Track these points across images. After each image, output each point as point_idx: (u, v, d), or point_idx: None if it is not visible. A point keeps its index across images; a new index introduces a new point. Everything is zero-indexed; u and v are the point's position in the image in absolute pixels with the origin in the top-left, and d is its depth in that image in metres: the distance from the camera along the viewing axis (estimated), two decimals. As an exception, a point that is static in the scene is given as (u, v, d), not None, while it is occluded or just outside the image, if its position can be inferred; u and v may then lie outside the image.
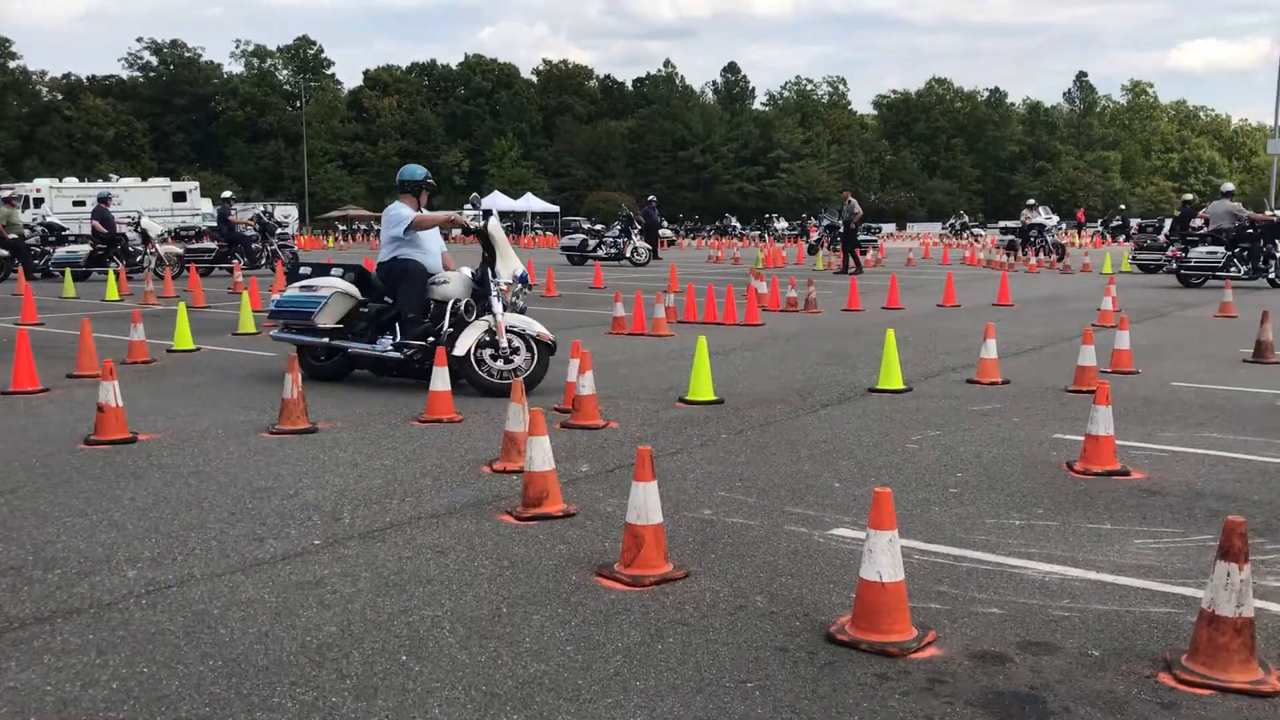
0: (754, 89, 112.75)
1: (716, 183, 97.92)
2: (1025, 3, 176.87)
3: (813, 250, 34.49)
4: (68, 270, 21.94)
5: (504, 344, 8.63)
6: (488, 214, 9.06)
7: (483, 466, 6.24)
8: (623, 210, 37.66)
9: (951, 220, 68.29)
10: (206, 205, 52.44)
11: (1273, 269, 20.73)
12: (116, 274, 20.88)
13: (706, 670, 3.46)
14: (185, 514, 5.27)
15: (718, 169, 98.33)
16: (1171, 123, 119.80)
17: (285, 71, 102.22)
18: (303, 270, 9.74)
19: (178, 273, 23.81)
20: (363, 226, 73.96)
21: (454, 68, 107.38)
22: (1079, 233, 54.54)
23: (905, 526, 4.50)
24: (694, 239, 60.54)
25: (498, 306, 8.67)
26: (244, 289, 16.35)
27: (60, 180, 53.45)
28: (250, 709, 3.17)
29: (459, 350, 8.52)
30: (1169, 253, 22.66)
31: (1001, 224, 52.77)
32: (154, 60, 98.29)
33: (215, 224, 28.08)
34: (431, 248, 9.27)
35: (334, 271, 9.53)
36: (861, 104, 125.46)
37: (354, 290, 9.30)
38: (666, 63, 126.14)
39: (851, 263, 25.99)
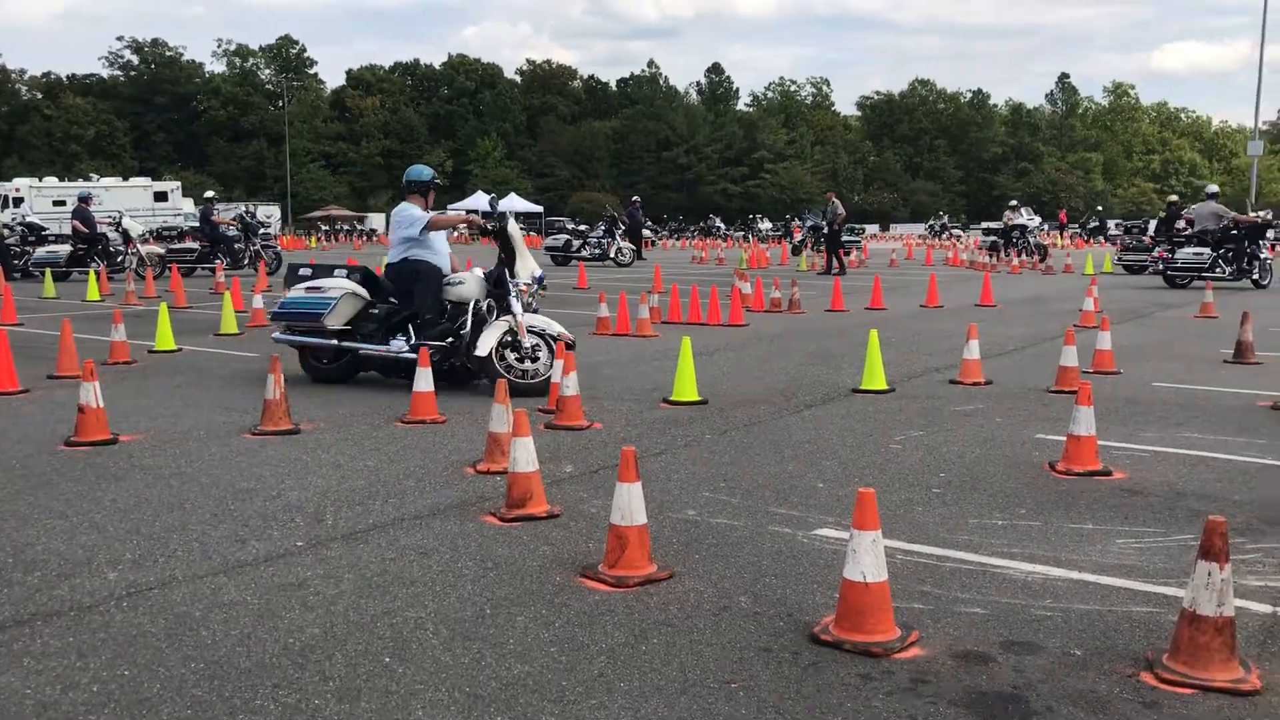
0: (738, 89, 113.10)
1: (700, 183, 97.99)
2: (1009, 5, 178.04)
3: (796, 251, 34.58)
4: (48, 270, 21.78)
5: (527, 344, 8.64)
6: (504, 216, 9.02)
7: (466, 467, 6.22)
8: (607, 211, 37.64)
9: (931, 221, 68.61)
10: (188, 205, 52.25)
11: (1256, 270, 20.92)
12: (97, 274, 20.75)
13: (691, 671, 3.46)
14: (167, 515, 5.24)
15: (702, 169, 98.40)
16: (1153, 124, 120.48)
17: (267, 71, 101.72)
18: (303, 272, 9.65)
19: (159, 273, 23.67)
20: (345, 226, 73.88)
21: (437, 67, 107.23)
22: (1061, 234, 54.83)
23: (888, 527, 4.51)
24: (678, 239, 60.56)
25: (517, 307, 8.67)
26: (226, 289, 16.27)
27: (40, 180, 53.11)
28: (232, 711, 3.16)
29: (481, 350, 8.52)
30: (1155, 254, 22.80)
31: (984, 225, 53.01)
32: (135, 59, 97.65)
33: (197, 224, 27.95)
34: (441, 249, 9.25)
35: (338, 272, 9.47)
36: (845, 105, 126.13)
37: (363, 291, 9.26)
38: (650, 63, 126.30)
39: (835, 263, 26.01)
